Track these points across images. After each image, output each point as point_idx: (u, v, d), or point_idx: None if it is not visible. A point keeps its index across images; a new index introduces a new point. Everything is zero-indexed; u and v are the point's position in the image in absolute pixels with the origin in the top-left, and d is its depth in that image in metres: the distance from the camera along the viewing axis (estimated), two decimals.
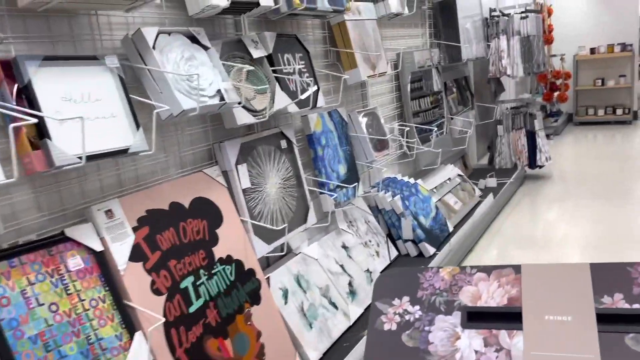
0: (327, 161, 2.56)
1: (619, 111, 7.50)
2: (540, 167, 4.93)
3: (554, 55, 7.36)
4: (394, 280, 1.29)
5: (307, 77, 2.37)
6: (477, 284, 1.22)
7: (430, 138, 3.68)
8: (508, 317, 1.14)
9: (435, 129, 3.68)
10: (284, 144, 2.28)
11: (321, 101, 2.42)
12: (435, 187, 3.71)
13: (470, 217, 3.62)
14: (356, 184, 2.74)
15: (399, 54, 3.45)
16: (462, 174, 4.18)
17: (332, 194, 2.50)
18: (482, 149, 5.80)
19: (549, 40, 6.68)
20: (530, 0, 6.53)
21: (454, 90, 4.68)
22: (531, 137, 4.87)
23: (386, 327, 1.21)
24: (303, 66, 2.36)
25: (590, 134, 7.17)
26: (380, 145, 2.96)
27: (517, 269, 1.22)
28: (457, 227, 3.46)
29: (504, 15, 4.74)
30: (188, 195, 1.79)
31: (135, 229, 1.58)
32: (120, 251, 1.51)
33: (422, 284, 1.26)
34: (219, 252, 1.82)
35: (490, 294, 1.19)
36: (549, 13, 6.86)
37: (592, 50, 7.58)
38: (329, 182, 2.51)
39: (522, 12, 4.77)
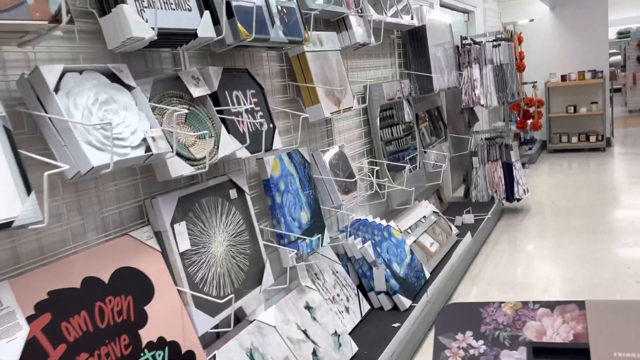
0: (287, 209, 2.26)
1: (592, 138, 7.42)
2: (518, 200, 4.72)
3: (526, 83, 7.28)
4: (456, 314, 1.29)
5: (261, 117, 2.08)
6: (541, 320, 1.22)
7: (403, 174, 3.42)
8: (575, 354, 1.14)
9: (408, 165, 3.43)
10: (233, 193, 1.97)
11: (278, 142, 2.13)
12: (410, 228, 3.44)
13: (449, 260, 3.35)
14: (321, 234, 2.44)
15: (366, 87, 3.20)
16: (437, 210, 3.92)
17: (294, 247, 2.20)
18: (457, 180, 5.58)
19: (520, 68, 6.58)
20: (499, 29, 6.44)
21: (427, 120, 4.47)
22: (508, 168, 4.66)
23: None
24: (255, 104, 2.07)
25: (564, 161, 7.05)
26: (348, 186, 2.68)
27: (580, 304, 1.23)
28: (434, 272, 3.18)
29: (475, 43, 4.58)
30: (108, 267, 1.47)
31: (31, 319, 1.24)
32: (7, 350, 1.18)
33: (485, 319, 1.26)
34: (147, 334, 1.49)
35: (555, 330, 1.18)
36: (519, 41, 6.78)
37: (563, 77, 7.54)
38: (289, 234, 2.20)
39: (494, 40, 4.61)
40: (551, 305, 1.23)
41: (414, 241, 3.37)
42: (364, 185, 3.18)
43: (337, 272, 2.70)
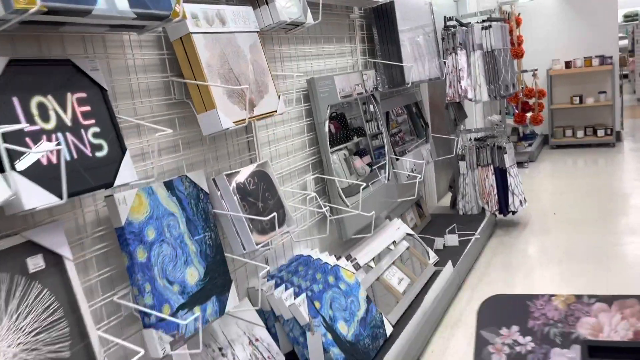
0: (157, 269, 1.52)
1: (600, 132, 6.63)
2: (514, 212, 3.96)
3: (525, 71, 6.48)
4: (501, 307, 1.22)
5: (96, 135, 1.33)
6: (597, 315, 1.13)
7: (359, 196, 2.67)
8: (635, 353, 1.05)
9: (365, 185, 2.67)
10: (34, 263, 1.23)
11: (128, 173, 1.38)
12: (374, 259, 2.70)
13: (420, 303, 2.60)
14: (221, 296, 1.70)
15: (311, 81, 2.44)
16: (411, 232, 3.17)
17: (167, 327, 1.46)
18: (444, 185, 4.82)
19: (518, 54, 5.79)
20: (493, 7, 5.65)
21: (406, 119, 3.71)
22: (501, 175, 3.90)
23: (494, 358, 1.11)
24: (86, 116, 1.32)
25: (569, 159, 6.28)
26: (270, 223, 1.93)
27: None
28: (400, 322, 2.44)
29: (462, 25, 3.80)
30: None
31: None
32: None
33: (533, 313, 1.18)
34: None
35: (613, 327, 1.10)
36: (517, 23, 5.98)
37: (568, 64, 6.74)
38: (154, 313, 1.46)
39: (484, 22, 3.83)
40: (609, 300, 1.16)
41: (377, 279, 2.63)
42: (309, 210, 2.43)
43: (257, 340, 1.96)
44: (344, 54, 2.90)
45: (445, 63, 3.71)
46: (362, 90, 2.88)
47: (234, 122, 1.72)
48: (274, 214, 1.80)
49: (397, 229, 3.14)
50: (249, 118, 1.80)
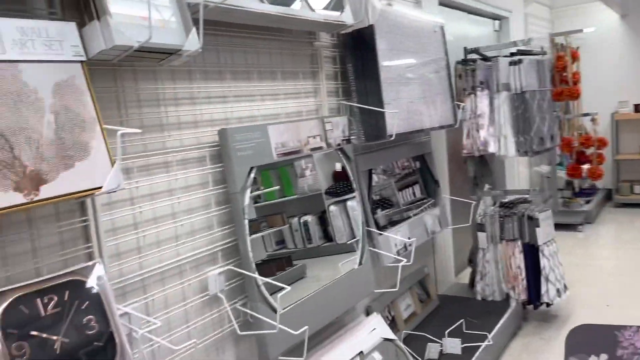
0: None
1: None
2: (548, 305, 3.00)
3: (586, 114, 5.45)
4: (589, 335, 1.25)
5: None
6: None
7: (275, 306, 1.86)
8: None
9: (286, 287, 1.86)
10: None
11: None
12: None
13: None
14: None
15: (222, 133, 1.70)
16: (390, 336, 2.32)
17: None
18: (465, 254, 3.89)
19: (573, 95, 4.81)
20: (543, 35, 4.74)
21: (410, 174, 2.89)
22: (532, 254, 2.97)
23: None
24: None
25: (637, 221, 5.15)
26: None
27: None
28: None
29: (484, 59, 2.96)
30: None
31: None
32: None
33: (622, 343, 1.21)
34: None
35: None
36: (574, 57, 5.01)
37: (637, 108, 5.66)
38: None
39: (512, 55, 2.97)
40: None
41: None
42: (207, 321, 1.65)
43: None
44: (299, 95, 2.14)
45: (459, 106, 2.87)
46: (321, 143, 2.10)
47: None
48: (116, 341, 1.05)
49: (369, 332, 2.30)
50: (24, 205, 1.07)
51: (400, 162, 2.92)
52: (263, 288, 1.74)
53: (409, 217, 2.72)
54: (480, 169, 3.24)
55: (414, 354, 2.43)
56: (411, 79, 2.52)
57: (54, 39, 1.20)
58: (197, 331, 1.66)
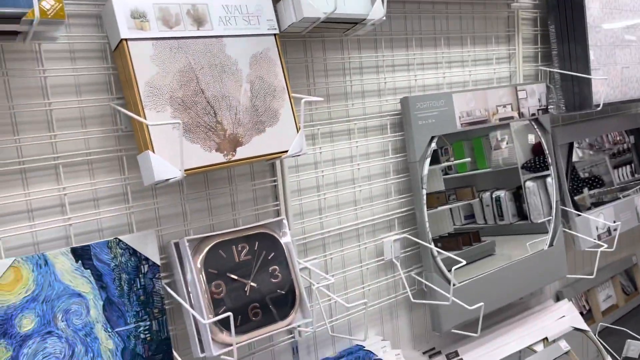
0: None
1: None
2: None
3: None
4: None
5: None
6: None
7: (450, 281, 1.79)
8: None
9: (464, 262, 1.78)
10: None
11: None
12: None
13: None
14: None
15: (404, 100, 1.70)
16: (582, 326, 2.11)
17: None
18: None
19: None
20: None
21: (623, 149, 2.56)
22: None
23: None
24: None
25: None
26: (264, 314, 1.32)
27: None
28: None
29: None
30: None
31: None
32: None
33: None
34: None
35: None
36: None
37: None
38: None
39: None
40: None
41: None
42: (383, 285, 1.70)
43: None
44: (490, 61, 2.02)
45: None
46: (512, 113, 1.97)
47: (186, 171, 1.17)
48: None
49: (557, 318, 2.13)
50: (223, 164, 1.22)
51: (612, 135, 2.58)
52: (439, 259, 1.73)
53: (618, 199, 2.40)
54: None
55: (609, 349, 2.18)
56: (630, 42, 2.19)
57: (252, 15, 1.32)
58: (371, 293, 1.72)
